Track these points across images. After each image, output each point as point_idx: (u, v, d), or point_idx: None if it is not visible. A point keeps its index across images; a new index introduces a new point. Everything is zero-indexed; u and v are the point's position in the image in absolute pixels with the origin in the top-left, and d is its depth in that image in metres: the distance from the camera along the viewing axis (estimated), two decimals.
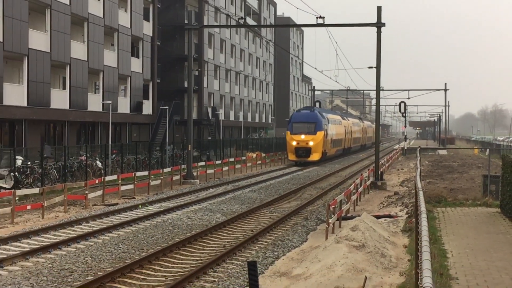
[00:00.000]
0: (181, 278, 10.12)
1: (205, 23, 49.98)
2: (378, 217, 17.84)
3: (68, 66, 33.35)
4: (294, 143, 39.60)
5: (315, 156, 39.40)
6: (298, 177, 32.25)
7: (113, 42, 39.00)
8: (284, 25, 40.82)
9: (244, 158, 40.34)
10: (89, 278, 10.27)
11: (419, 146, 46.40)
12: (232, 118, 61.47)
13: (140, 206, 19.90)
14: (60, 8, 31.79)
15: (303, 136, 39.39)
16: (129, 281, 10.42)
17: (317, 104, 65.40)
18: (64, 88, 34.23)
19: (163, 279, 10.65)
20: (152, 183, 24.46)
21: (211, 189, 25.61)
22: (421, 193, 13.11)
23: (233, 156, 41.22)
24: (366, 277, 10.65)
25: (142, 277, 10.81)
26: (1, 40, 27.51)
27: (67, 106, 32.96)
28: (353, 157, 52.30)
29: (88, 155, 26.55)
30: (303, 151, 39.33)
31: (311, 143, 39.15)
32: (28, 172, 22.84)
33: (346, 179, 30.17)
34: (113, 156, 29.80)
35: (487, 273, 10.68)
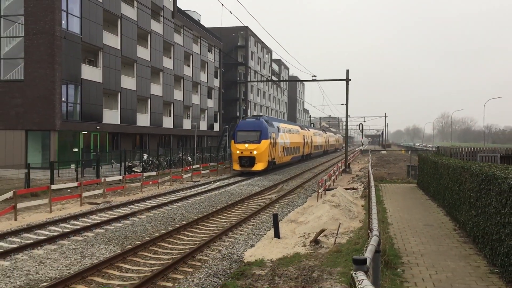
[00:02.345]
0: (239, 219, 16.12)
1: (249, 79, 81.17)
2: (347, 189, 24.19)
3: (170, 103, 55.15)
4: (237, 152, 35.39)
5: (259, 166, 35.23)
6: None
7: (197, 90, 63.05)
8: (293, 80, 55.07)
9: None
10: (183, 222, 16.44)
11: (370, 149, 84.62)
12: None
13: (212, 182, 29.54)
14: (143, 63, 47.09)
15: (246, 145, 35.23)
16: (206, 223, 16.24)
17: (312, 125, 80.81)
18: (170, 115, 53.79)
19: (226, 222, 16.49)
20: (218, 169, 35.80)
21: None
22: (371, 176, 19.50)
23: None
24: (340, 223, 14.32)
25: (215, 220, 16.81)
26: (101, 81, 39.87)
27: (171, 126, 53.36)
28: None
29: (183, 154, 40.93)
30: (247, 161, 35.18)
31: (255, 152, 34.96)
32: (150, 163, 34.10)
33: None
34: (197, 154, 44.54)
35: (409, 221, 14.54)
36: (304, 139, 52.49)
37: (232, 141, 36.56)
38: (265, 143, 35.64)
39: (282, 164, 43.07)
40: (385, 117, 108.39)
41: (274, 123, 40.21)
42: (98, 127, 39.21)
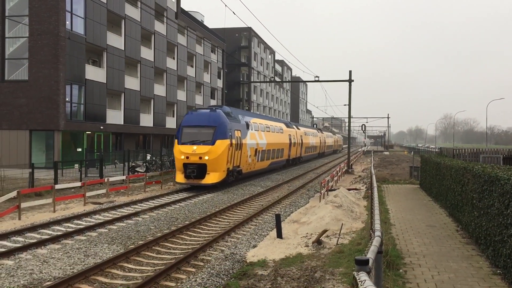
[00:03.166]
0: (241, 220, 16.06)
1: (252, 80, 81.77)
2: (349, 189, 24.14)
3: (173, 103, 57.30)
4: (182, 157, 24.93)
5: (212, 177, 24.81)
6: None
7: (200, 91, 63.75)
8: (296, 81, 53.85)
9: None
10: (186, 222, 16.39)
11: (373, 150, 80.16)
12: None
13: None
14: (147, 63, 46.51)
15: (194, 147, 24.94)
16: (209, 223, 16.26)
17: (314, 125, 78.09)
18: (173, 116, 54.50)
19: (228, 223, 16.38)
20: None
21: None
22: (373, 176, 19.46)
23: None
24: (342, 224, 14.28)
25: (218, 220, 16.82)
26: (105, 82, 39.99)
27: (174, 126, 53.21)
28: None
29: None
30: (194, 170, 24.66)
31: (206, 157, 24.67)
32: (153, 163, 32.95)
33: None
34: None
35: (411, 222, 14.45)
36: (290, 140, 43.11)
37: (176, 141, 25.87)
38: (221, 144, 25.12)
39: (255, 173, 33.24)
40: (388, 118, 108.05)
41: (242, 117, 30.09)
42: (101, 127, 39.34)
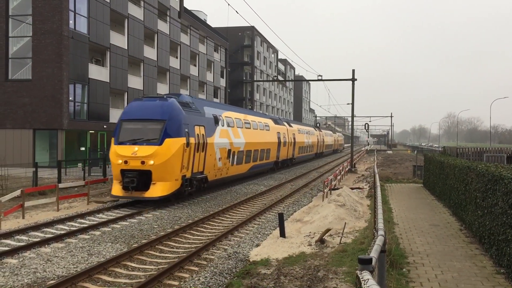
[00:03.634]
0: (245, 218, 16.03)
1: (255, 79, 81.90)
2: (352, 188, 24.14)
3: None
4: (119, 161, 18.89)
5: (159, 189, 18.74)
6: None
7: (203, 90, 63.39)
8: (299, 80, 55.96)
9: None
10: (189, 221, 16.39)
11: (376, 149, 78.57)
12: None
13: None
14: (150, 63, 46.51)
15: (136, 149, 18.87)
16: (212, 222, 16.21)
17: (317, 124, 74.35)
18: None
19: (231, 221, 16.46)
20: None
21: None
22: (377, 175, 19.48)
23: None
24: (345, 223, 14.25)
25: (221, 219, 16.86)
26: (108, 81, 40.08)
27: None
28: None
29: None
30: (134, 179, 18.63)
31: (151, 162, 18.58)
32: None
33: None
34: None
35: (415, 221, 14.59)
36: (279, 138, 37.34)
37: (112, 139, 19.90)
38: (173, 143, 19.10)
39: (229, 179, 27.14)
40: (391, 117, 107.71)
41: (209, 109, 23.98)
42: (105, 126, 39.42)
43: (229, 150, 25.46)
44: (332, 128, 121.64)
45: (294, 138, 43.90)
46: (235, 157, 26.62)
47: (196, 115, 21.74)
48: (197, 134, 21.20)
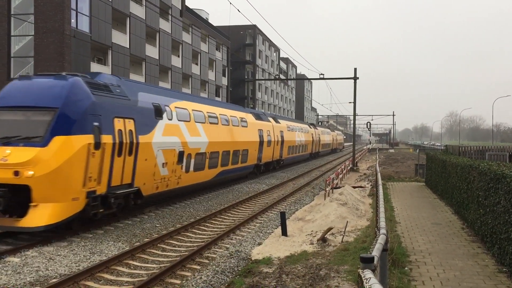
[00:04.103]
0: (246, 217, 16.10)
1: (257, 77, 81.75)
2: (354, 187, 23.98)
3: None
4: None
5: (44, 214, 12.24)
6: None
7: (205, 89, 62.78)
8: (301, 78, 56.57)
9: None
10: (191, 220, 16.43)
11: (378, 148, 77.59)
12: None
13: None
14: (152, 61, 46.64)
15: (8, 151, 12.38)
16: (214, 221, 16.24)
17: (319, 123, 73.20)
18: None
19: (233, 220, 16.40)
20: None
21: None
22: (379, 174, 19.47)
23: None
24: (347, 221, 14.34)
25: (222, 217, 16.75)
26: None
27: None
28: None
29: None
30: (0, 198, 12.18)
31: (29, 173, 12.08)
32: None
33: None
34: None
35: (417, 219, 14.63)
36: (261, 137, 31.29)
37: None
38: (67, 144, 12.87)
39: (182, 190, 20.47)
40: (393, 115, 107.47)
41: (145, 95, 17.24)
42: None
43: (181, 153, 19.10)
44: (334, 126, 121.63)
45: (282, 137, 37.52)
46: (192, 161, 20.23)
47: (120, 103, 15.20)
48: (119, 130, 14.79)
